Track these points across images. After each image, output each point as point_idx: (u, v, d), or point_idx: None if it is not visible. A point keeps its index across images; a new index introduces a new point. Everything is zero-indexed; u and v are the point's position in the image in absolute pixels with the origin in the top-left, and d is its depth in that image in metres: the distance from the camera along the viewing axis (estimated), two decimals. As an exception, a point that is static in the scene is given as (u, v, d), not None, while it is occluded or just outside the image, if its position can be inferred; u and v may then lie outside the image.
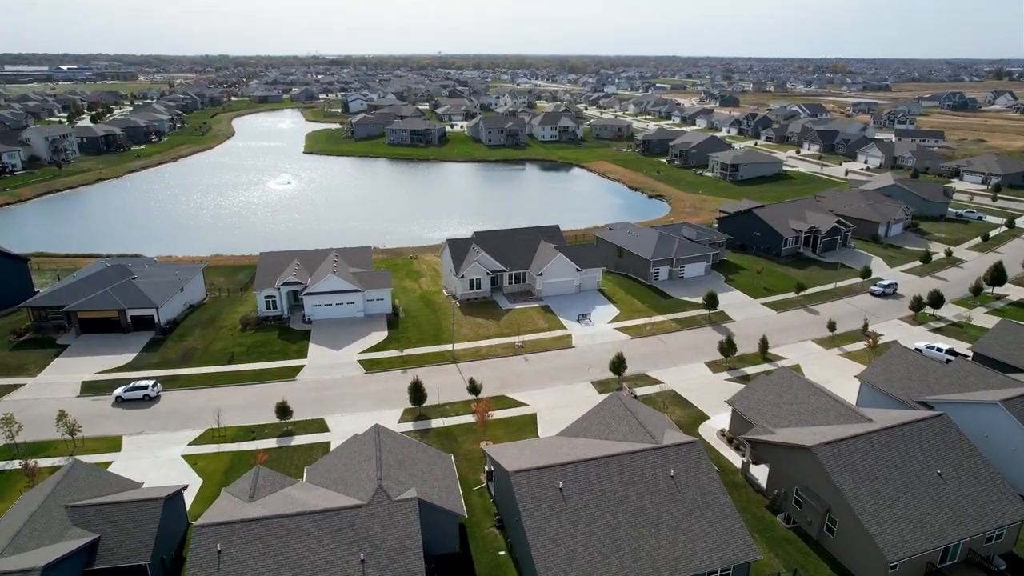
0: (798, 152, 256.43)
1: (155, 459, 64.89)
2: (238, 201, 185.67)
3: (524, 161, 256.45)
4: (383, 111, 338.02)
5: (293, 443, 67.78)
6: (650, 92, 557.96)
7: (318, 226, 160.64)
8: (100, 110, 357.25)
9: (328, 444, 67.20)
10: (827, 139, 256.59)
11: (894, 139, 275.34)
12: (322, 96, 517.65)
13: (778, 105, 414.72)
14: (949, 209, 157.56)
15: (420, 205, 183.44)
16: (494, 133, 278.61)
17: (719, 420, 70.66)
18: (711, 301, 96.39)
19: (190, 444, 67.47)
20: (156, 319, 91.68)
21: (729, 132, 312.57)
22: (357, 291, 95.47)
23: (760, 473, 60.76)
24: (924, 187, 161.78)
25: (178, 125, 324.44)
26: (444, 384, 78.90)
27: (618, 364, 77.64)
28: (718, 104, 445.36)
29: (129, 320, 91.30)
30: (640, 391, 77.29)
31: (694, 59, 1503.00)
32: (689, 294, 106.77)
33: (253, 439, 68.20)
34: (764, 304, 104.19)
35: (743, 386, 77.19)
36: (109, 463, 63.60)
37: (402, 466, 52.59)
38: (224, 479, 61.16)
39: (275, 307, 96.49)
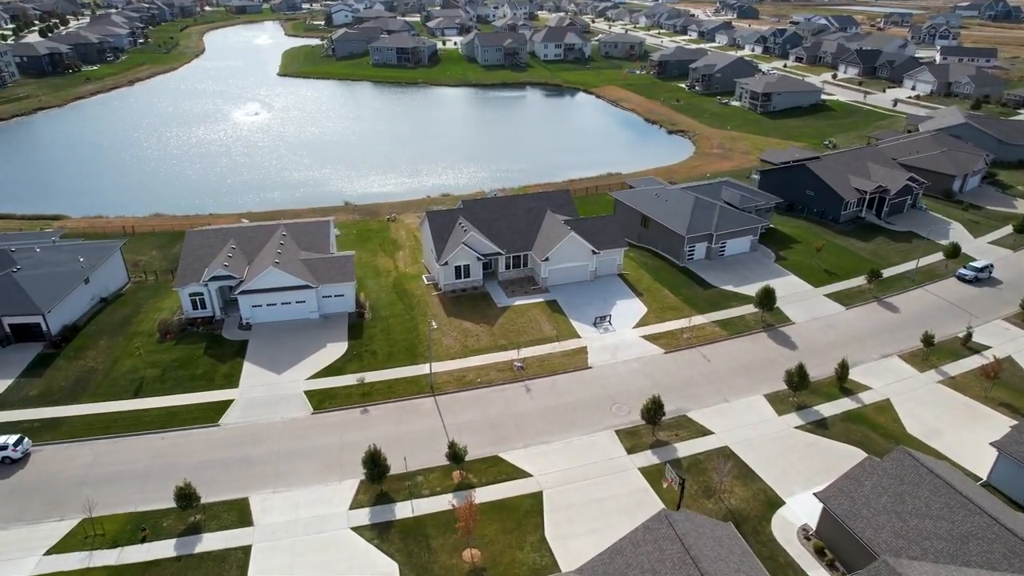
0: (834, 76, 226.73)
1: (-7, 582, 45.25)
2: (193, 139, 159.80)
3: (524, 85, 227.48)
4: (368, 24, 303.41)
5: (199, 548, 47.70)
6: (661, 1, 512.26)
7: (283, 173, 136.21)
8: (54, 21, 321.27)
9: (249, 549, 47.30)
10: (867, 60, 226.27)
11: (939, 58, 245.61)
12: (305, 6, 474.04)
13: (802, 17, 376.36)
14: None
15: (404, 145, 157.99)
16: (491, 51, 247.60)
17: (799, 508, 50.43)
18: (767, 300, 74.54)
19: (49, 552, 47.36)
20: (44, 328, 70.16)
21: (753, 51, 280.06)
22: (309, 287, 73.48)
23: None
24: (1000, 125, 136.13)
25: (140, 41, 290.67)
26: (417, 435, 58.42)
27: (653, 410, 56.76)
28: (735, 16, 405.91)
29: (7, 330, 69.81)
30: (684, 449, 56.75)
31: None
32: (734, 281, 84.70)
33: (143, 540, 48.16)
34: (828, 296, 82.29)
35: (820, 438, 57.07)
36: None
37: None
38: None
39: (204, 306, 74.80)
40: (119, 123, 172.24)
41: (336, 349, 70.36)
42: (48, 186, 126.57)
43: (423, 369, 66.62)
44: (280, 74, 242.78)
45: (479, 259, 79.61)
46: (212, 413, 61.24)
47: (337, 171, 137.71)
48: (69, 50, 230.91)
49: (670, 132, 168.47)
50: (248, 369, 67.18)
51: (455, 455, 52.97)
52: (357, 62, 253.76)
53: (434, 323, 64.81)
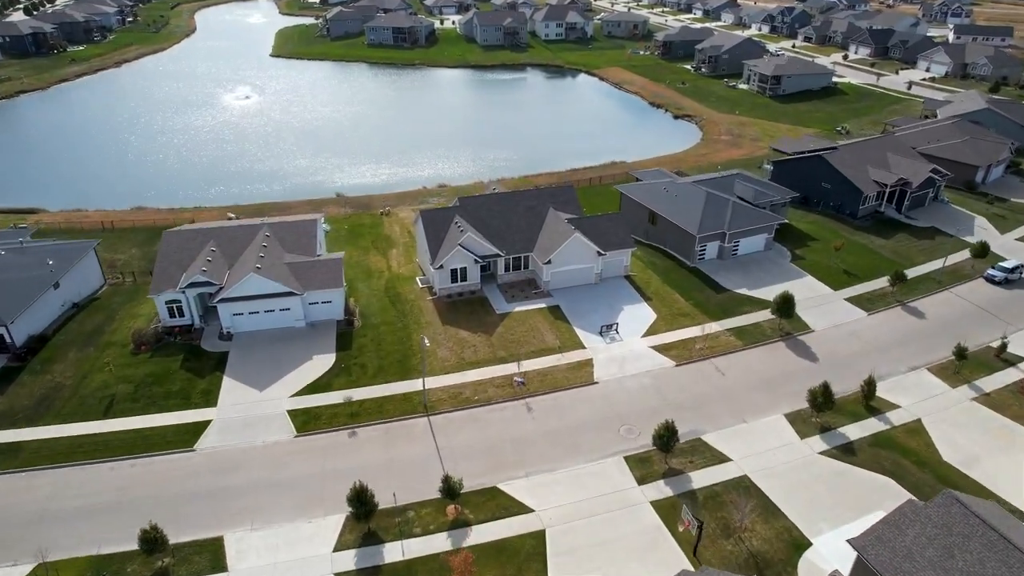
0: (845, 58, 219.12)
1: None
2: (180, 125, 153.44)
3: (525, 66, 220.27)
4: (364, 3, 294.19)
5: (165, 599, 43.21)
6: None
7: (273, 162, 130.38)
8: None
9: (221, 600, 42.78)
10: (879, 40, 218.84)
11: (952, 37, 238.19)
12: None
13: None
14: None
15: (399, 131, 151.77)
16: (490, 31, 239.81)
17: (827, 550, 45.72)
18: (785, 307, 69.40)
19: (0, 605, 42.94)
20: (7, 339, 65.14)
21: (760, 30, 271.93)
22: (293, 294, 68.32)
23: None
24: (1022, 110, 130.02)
25: (128, 20, 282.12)
26: (408, 462, 53.73)
27: (667, 437, 51.93)
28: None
29: (-32, 342, 64.93)
30: (699, 479, 52.03)
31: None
32: (748, 283, 79.53)
33: (104, 591, 43.63)
34: (849, 300, 77.14)
35: (848, 466, 52.41)
36: None
37: None
38: None
39: (182, 314, 69.73)
40: (104, 108, 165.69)
41: (322, 362, 65.39)
42: (26, 176, 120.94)
43: (416, 385, 61.70)
44: (273, 55, 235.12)
45: (477, 262, 74.37)
46: (187, 436, 56.44)
47: (329, 160, 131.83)
48: (54, 29, 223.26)
49: (676, 117, 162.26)
50: (228, 385, 62.26)
51: (450, 489, 48.23)
52: (352, 42, 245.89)
53: (426, 341, 59.77)
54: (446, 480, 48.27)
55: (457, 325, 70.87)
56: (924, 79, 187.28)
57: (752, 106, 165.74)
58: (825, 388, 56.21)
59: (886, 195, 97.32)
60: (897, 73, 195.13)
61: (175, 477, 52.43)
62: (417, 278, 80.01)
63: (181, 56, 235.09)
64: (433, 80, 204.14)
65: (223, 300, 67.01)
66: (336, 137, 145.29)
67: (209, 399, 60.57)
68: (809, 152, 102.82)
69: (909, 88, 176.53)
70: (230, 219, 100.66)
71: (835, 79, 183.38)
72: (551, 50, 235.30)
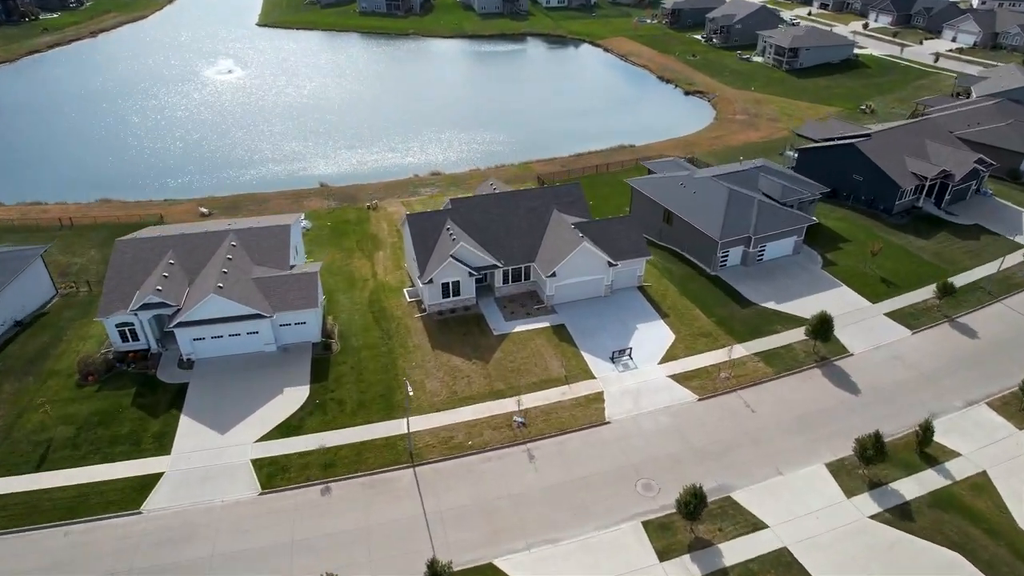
0: (865, 27, 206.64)
1: None
2: (154, 103, 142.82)
3: (525, 36, 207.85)
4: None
5: None
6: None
7: (253, 146, 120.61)
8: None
9: None
10: (902, 7, 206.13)
11: (975, 3, 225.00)
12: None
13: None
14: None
15: (390, 109, 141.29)
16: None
17: (891, 656, 38.12)
18: (823, 330, 60.85)
19: None
20: (-67, 372, 56.92)
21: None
22: (262, 316, 59.81)
23: None
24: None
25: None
26: (390, 529, 45.89)
27: (694, 504, 43.91)
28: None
29: None
30: (730, 553, 44.16)
31: None
32: (776, 295, 70.91)
33: None
34: (889, 316, 68.61)
35: (904, 535, 44.69)
36: None
37: None
38: None
39: (136, 337, 61.35)
40: (75, 84, 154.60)
41: (295, 396, 57.19)
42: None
43: (401, 426, 53.52)
44: (260, 24, 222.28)
45: (471, 275, 65.66)
46: (134, 494, 48.53)
47: (314, 144, 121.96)
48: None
49: (687, 93, 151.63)
50: (185, 427, 54.16)
51: (435, 573, 40.37)
52: (344, 10, 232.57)
53: (410, 388, 51.25)
54: (432, 565, 40.36)
55: (449, 349, 62.47)
56: (951, 50, 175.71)
57: (768, 81, 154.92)
58: (876, 439, 48.06)
59: (925, 188, 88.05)
60: (921, 43, 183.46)
61: (117, 549, 44.64)
62: (405, 289, 71.34)
63: (162, 24, 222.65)
64: (427, 51, 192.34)
65: (181, 324, 58.52)
66: (322, 117, 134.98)
67: (163, 445, 52.53)
68: (839, 139, 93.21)
69: (936, 60, 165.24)
70: (203, 215, 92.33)
71: (856, 51, 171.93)
72: (553, 18, 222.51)
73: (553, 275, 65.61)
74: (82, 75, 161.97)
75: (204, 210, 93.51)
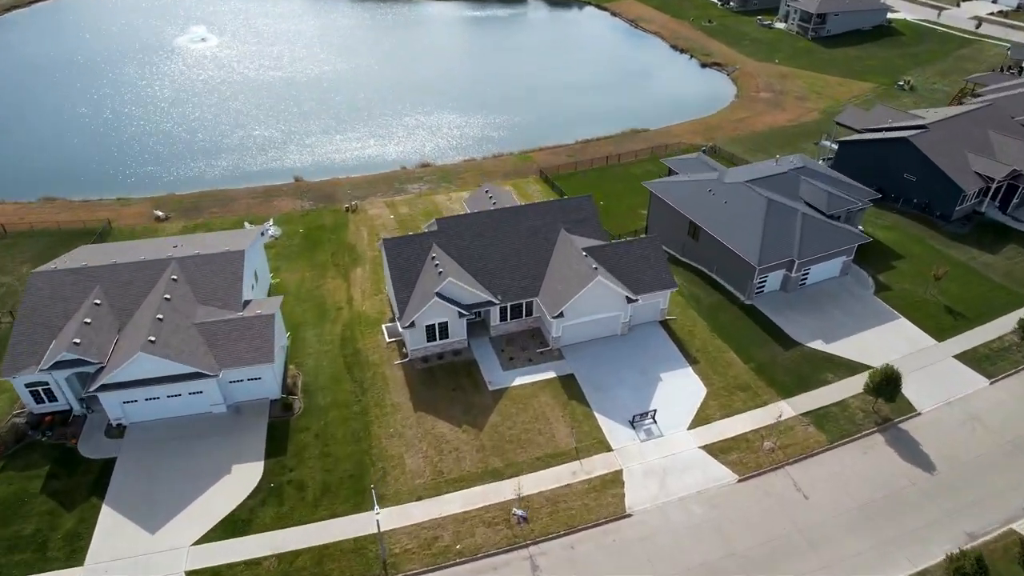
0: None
1: None
2: (112, 78, 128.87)
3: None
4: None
5: None
6: None
7: (222, 131, 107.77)
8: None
9: None
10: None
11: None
12: None
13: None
14: None
15: (377, 83, 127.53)
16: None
17: None
18: (888, 388, 49.92)
19: None
20: None
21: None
22: (204, 376, 48.84)
23: None
24: None
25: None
26: None
27: (746, 661, 33.66)
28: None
29: None
30: None
31: None
32: (823, 331, 59.78)
33: None
34: (959, 358, 57.60)
35: None
36: None
37: None
38: None
39: (54, 397, 50.56)
40: (27, 56, 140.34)
41: (245, 477, 46.68)
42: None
43: (372, 524, 42.92)
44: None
45: (461, 315, 54.48)
46: (32, 627, 38.41)
47: (290, 128, 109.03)
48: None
49: (703, 65, 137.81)
50: (106, 522, 43.77)
51: None
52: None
53: (379, 512, 40.34)
54: None
55: (435, 411, 51.66)
56: (992, 13, 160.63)
57: (793, 52, 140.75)
58: (978, 563, 37.55)
59: (991, 191, 76.19)
60: (958, 5, 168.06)
61: None
62: (384, 325, 60.08)
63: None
64: (420, 17, 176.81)
65: (104, 388, 47.61)
66: (301, 95, 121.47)
67: (75, 550, 42.20)
68: (888, 130, 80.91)
69: (978, 27, 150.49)
70: (157, 219, 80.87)
71: (888, 15, 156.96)
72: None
73: (560, 315, 54.39)
74: (37, 43, 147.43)
75: (160, 213, 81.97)
